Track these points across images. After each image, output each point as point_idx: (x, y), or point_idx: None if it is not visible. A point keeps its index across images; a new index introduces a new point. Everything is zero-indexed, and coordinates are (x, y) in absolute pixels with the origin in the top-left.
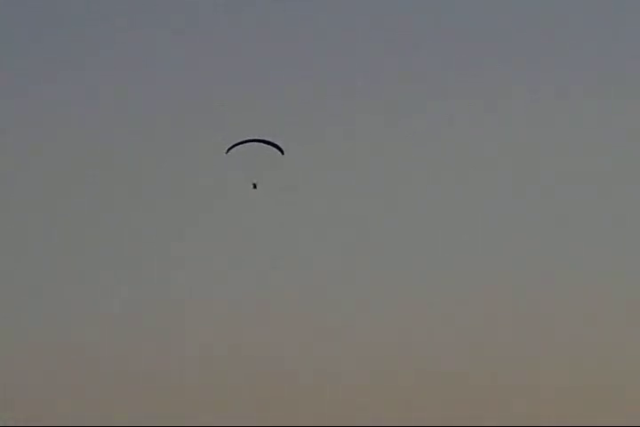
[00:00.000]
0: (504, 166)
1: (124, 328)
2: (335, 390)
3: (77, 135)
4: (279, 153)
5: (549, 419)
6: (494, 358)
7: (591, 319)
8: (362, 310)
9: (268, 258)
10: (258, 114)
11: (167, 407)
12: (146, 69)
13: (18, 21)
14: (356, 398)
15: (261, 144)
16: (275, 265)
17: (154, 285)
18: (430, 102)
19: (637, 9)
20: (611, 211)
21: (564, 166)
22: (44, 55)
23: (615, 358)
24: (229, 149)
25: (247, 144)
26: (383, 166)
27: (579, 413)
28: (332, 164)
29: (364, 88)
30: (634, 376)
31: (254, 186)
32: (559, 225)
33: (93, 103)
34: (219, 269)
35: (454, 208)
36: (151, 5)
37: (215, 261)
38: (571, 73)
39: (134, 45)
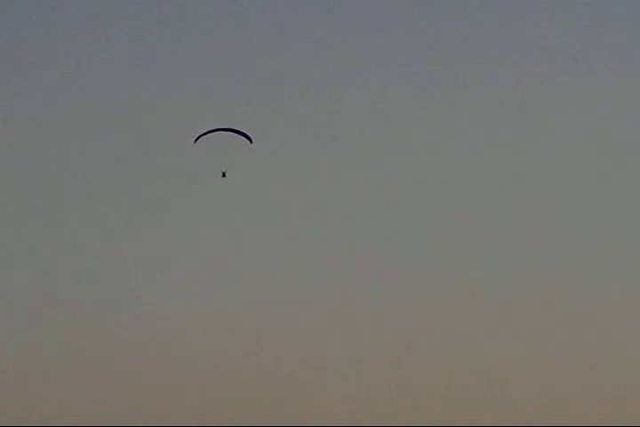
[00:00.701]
0: (503, 166)
1: (123, 328)
2: (335, 389)
3: (74, 133)
4: (248, 142)
5: (550, 419)
6: (494, 357)
7: (591, 319)
8: (360, 308)
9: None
10: (254, 112)
11: (167, 407)
12: (146, 69)
13: (18, 21)
14: (356, 398)
15: (230, 133)
16: (264, 264)
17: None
18: (429, 102)
19: (637, 9)
20: (611, 211)
21: (563, 166)
22: (44, 55)
23: (615, 357)
24: (197, 139)
25: (216, 133)
26: (382, 165)
27: (579, 413)
28: (330, 163)
29: (364, 87)
30: (634, 376)
31: (223, 175)
32: (559, 225)
33: (92, 102)
34: (205, 268)
35: (453, 208)
36: (151, 5)
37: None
38: (571, 73)
39: (134, 45)
